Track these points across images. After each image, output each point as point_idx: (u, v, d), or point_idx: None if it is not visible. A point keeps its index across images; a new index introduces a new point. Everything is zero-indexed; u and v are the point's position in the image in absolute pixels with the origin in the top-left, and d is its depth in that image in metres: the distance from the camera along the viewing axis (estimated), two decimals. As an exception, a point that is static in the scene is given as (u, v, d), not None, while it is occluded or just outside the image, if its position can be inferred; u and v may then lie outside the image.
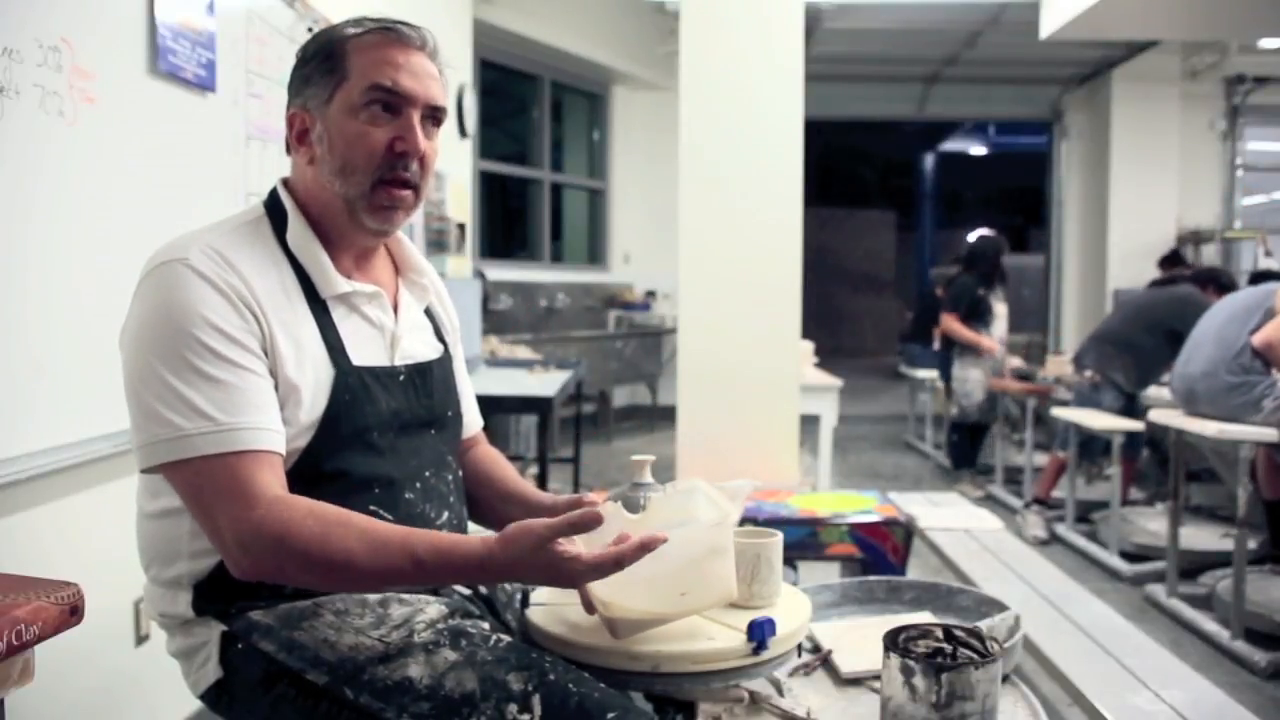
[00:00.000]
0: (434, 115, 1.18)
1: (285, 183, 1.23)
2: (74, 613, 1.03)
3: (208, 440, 1.02)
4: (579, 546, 1.03)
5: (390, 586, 1.09)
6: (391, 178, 1.15)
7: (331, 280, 1.16)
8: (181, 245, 1.10)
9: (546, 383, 3.98)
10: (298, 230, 1.17)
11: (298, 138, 1.18)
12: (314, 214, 1.19)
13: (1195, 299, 4.32)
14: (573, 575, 1.01)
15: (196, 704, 1.17)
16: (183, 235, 1.13)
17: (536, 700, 1.04)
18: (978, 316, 5.34)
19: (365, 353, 1.18)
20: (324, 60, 1.16)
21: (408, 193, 1.17)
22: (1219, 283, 4.37)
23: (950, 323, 5.38)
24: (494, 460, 1.44)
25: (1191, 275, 4.74)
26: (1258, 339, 3.17)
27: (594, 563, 1.00)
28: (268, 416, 1.06)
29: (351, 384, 1.14)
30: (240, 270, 1.10)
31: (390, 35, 1.16)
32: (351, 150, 1.14)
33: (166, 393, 1.03)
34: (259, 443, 1.04)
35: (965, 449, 5.63)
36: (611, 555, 1.00)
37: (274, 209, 1.20)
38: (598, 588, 1.09)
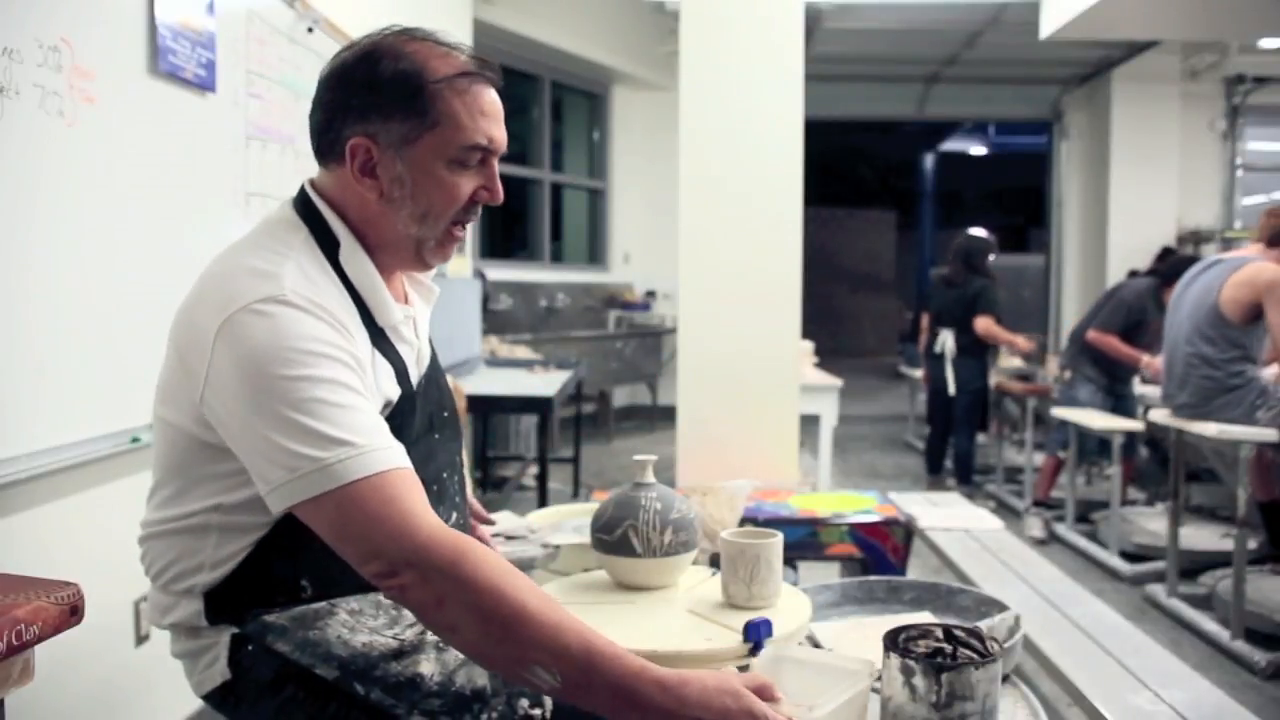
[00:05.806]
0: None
1: (327, 200, 1.15)
2: (74, 613, 1.03)
3: (348, 466, 0.96)
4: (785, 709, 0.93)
5: (538, 667, 0.93)
6: (463, 219, 1.15)
7: (389, 310, 1.14)
8: (268, 279, 1.03)
9: (546, 383, 3.99)
10: (355, 258, 1.13)
11: (361, 169, 1.10)
12: (370, 242, 1.14)
13: (1127, 288, 4.57)
14: None
15: (197, 704, 1.17)
16: (248, 266, 1.06)
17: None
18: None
19: (413, 372, 1.19)
20: (409, 98, 1.08)
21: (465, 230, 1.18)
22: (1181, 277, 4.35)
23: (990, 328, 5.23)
24: None
25: (1161, 270, 4.75)
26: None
27: None
28: (390, 436, 1.03)
29: (414, 404, 1.15)
30: (325, 296, 1.06)
31: (480, 81, 1.12)
32: (438, 198, 1.11)
33: (292, 429, 0.97)
34: (397, 461, 1.00)
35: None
36: None
37: (316, 227, 1.14)
38: None
